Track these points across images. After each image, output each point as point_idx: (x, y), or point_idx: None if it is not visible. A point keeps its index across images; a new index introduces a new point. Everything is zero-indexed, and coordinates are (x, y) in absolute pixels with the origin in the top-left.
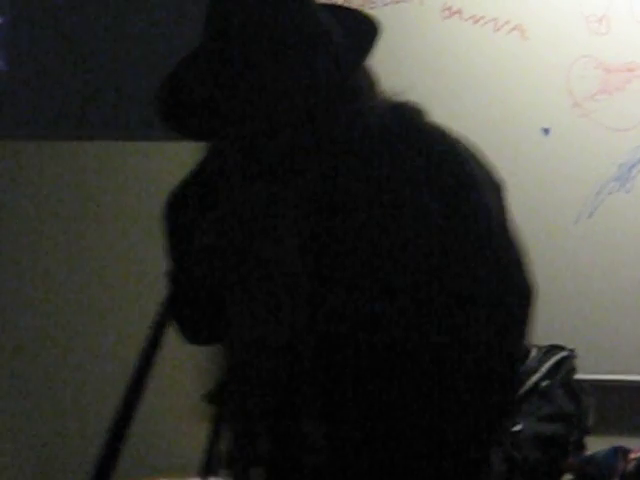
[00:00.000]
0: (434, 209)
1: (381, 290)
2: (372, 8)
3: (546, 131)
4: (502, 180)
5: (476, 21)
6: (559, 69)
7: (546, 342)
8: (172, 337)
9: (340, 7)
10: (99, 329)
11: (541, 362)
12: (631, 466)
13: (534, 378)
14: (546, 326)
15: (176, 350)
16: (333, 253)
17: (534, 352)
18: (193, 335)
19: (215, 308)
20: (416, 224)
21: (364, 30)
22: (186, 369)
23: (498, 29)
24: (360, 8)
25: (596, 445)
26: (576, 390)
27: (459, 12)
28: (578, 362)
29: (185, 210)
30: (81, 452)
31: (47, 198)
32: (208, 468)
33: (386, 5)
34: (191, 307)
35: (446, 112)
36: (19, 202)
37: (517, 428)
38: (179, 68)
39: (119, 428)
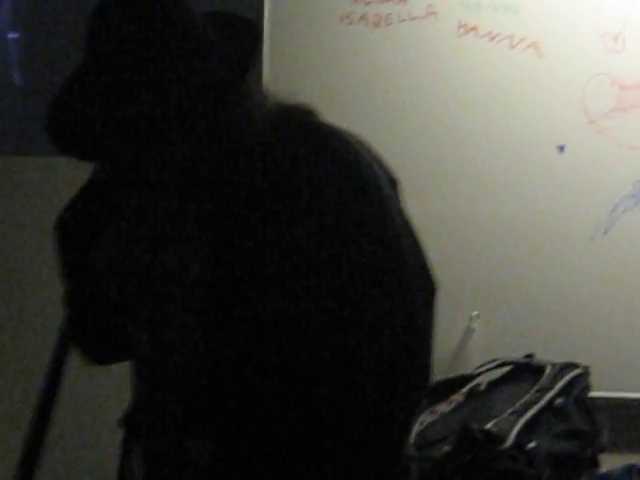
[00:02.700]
0: (328, 208)
1: (280, 302)
2: (388, 25)
3: (561, 148)
4: (397, 177)
5: (492, 38)
6: (574, 86)
7: (561, 359)
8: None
9: (220, 13)
10: None
11: (555, 379)
12: None
13: (548, 395)
14: (561, 343)
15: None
16: (233, 264)
17: (548, 369)
18: (94, 356)
19: (116, 327)
20: (311, 226)
21: (247, 35)
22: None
23: (514, 46)
24: (241, 15)
25: (611, 463)
26: (590, 408)
27: (475, 29)
28: (592, 379)
29: (78, 228)
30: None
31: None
32: None
33: (402, 22)
34: (91, 327)
35: (462, 129)
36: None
37: (531, 445)
38: (61, 89)
39: (29, 458)
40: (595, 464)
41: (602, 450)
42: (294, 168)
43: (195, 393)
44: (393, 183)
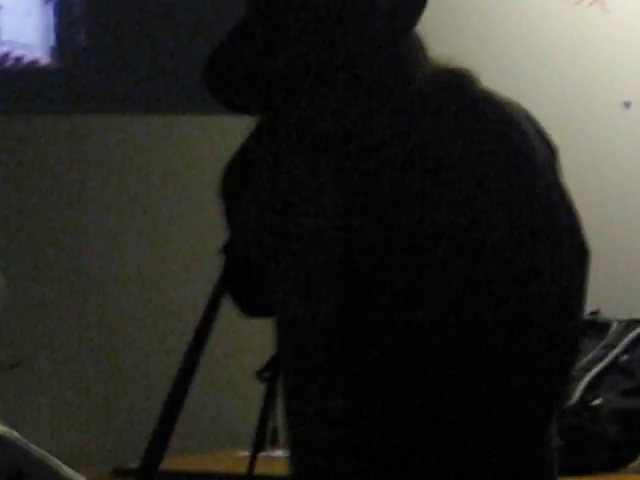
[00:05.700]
0: (486, 178)
1: (428, 266)
2: None
3: (627, 104)
4: (556, 146)
5: None
6: None
7: (626, 316)
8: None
9: None
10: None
11: (621, 336)
12: None
13: (614, 352)
14: (627, 300)
15: (235, 325)
16: (375, 228)
17: (614, 326)
18: (246, 308)
19: (262, 282)
20: (466, 194)
21: None
22: (245, 344)
23: (578, 2)
24: None
25: None
26: None
27: None
28: None
29: (233, 184)
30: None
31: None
32: (260, 442)
33: None
34: (242, 280)
35: (527, 86)
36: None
37: (597, 402)
38: (225, 42)
39: (173, 403)
40: None
41: None
42: (448, 136)
43: (334, 352)
44: (552, 152)
